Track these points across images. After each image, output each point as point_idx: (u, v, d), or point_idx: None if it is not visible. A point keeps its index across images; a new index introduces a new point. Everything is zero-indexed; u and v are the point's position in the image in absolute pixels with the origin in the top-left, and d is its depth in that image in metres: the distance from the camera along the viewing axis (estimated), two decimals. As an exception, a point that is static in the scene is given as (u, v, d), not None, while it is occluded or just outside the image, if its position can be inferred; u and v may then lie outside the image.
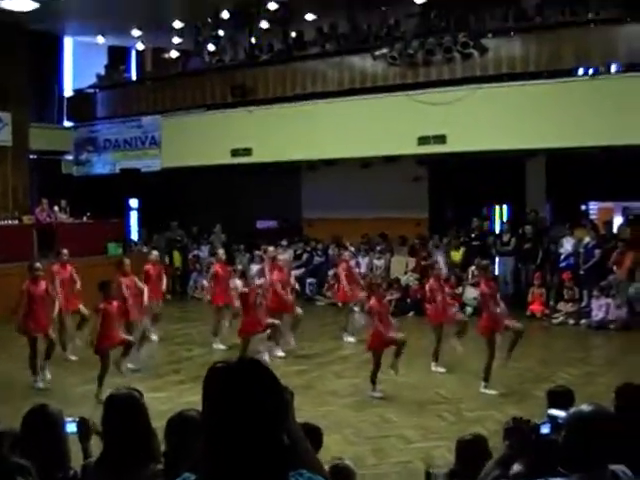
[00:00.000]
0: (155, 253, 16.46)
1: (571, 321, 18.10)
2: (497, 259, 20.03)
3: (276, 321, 14.25)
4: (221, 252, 17.13)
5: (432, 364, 13.54)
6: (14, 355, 14.57)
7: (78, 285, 15.34)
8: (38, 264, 13.77)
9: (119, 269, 14.33)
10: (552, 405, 5.45)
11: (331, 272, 21.91)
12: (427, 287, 14.19)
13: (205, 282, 18.19)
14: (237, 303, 14.30)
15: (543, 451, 4.17)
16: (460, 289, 19.16)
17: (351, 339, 15.96)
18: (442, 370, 13.42)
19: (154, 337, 15.93)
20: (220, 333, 15.78)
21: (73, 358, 14.65)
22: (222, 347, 15.49)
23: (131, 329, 13.95)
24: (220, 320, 15.86)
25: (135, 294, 14.26)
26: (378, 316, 11.96)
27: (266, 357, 13.23)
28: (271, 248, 17.13)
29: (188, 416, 4.32)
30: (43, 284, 13.30)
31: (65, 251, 15.65)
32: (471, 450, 5.60)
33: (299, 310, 15.30)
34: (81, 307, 15.19)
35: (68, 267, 15.54)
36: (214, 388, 2.54)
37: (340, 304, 17.26)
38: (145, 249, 23.89)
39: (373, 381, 11.90)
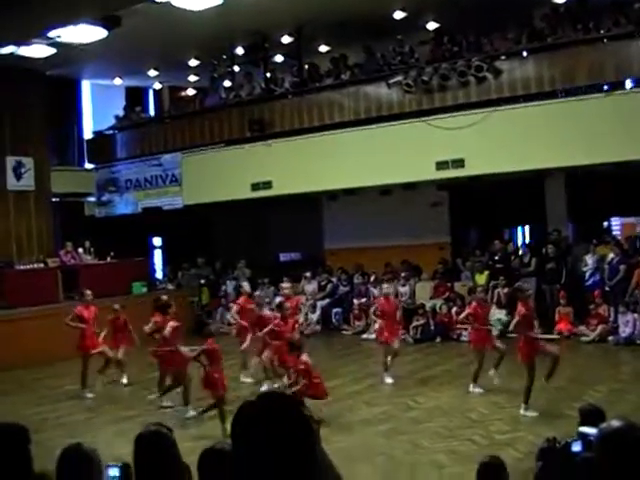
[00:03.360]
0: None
1: (599, 338, 17.99)
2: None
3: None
4: (245, 286, 17.15)
5: (471, 385, 13.50)
6: (43, 397, 14.74)
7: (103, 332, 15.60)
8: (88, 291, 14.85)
9: (159, 310, 14.16)
10: (583, 423, 5.42)
11: (356, 301, 21.97)
12: (470, 310, 14.13)
13: (230, 317, 18.23)
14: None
15: (576, 469, 4.15)
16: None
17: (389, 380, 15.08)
18: (480, 390, 13.36)
19: None
20: (248, 366, 15.75)
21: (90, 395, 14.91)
22: (249, 380, 15.47)
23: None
24: (248, 353, 15.81)
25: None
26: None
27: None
28: (285, 285, 17.15)
29: (220, 450, 4.33)
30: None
31: (89, 292, 15.78)
32: (490, 473, 5.55)
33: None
34: (105, 348, 15.35)
35: (92, 308, 15.69)
36: (242, 423, 2.58)
37: (380, 343, 15.68)
38: (170, 287, 24.01)
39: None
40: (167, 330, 13.21)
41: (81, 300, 16.05)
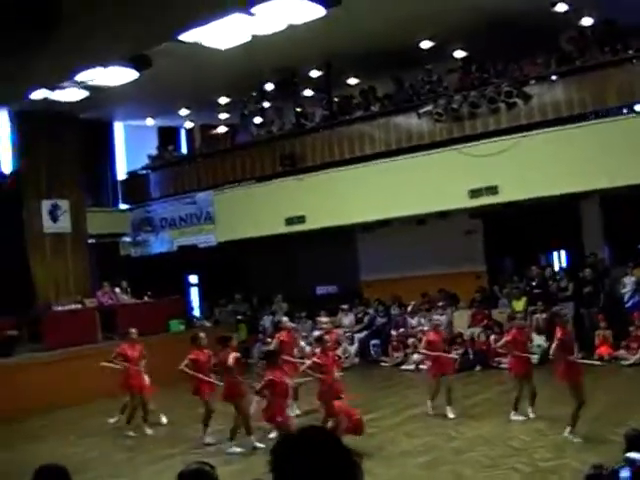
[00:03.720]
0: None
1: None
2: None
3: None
4: (286, 320, 17.07)
5: (512, 413, 13.35)
6: (83, 436, 14.82)
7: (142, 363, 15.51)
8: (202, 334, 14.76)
9: (194, 344, 14.37)
10: (629, 449, 5.33)
11: (394, 332, 21.88)
12: (509, 337, 14.00)
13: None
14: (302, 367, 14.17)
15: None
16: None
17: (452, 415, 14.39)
18: (522, 418, 13.22)
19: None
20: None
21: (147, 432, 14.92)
22: (294, 413, 15.39)
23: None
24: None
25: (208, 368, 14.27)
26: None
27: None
28: (324, 319, 17.04)
29: (260, 485, 4.32)
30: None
31: (134, 330, 15.77)
32: None
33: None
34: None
35: (137, 346, 15.69)
36: (282, 456, 2.56)
37: (434, 376, 14.86)
38: (207, 324, 24.05)
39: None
40: (230, 360, 13.34)
41: (125, 339, 16.05)
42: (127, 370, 15.29)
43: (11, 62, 9.81)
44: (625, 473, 4.18)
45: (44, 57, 9.45)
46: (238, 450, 12.79)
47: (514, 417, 13.33)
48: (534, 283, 20.68)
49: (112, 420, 15.97)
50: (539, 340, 18.27)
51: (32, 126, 23.79)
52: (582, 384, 11.79)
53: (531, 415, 13.31)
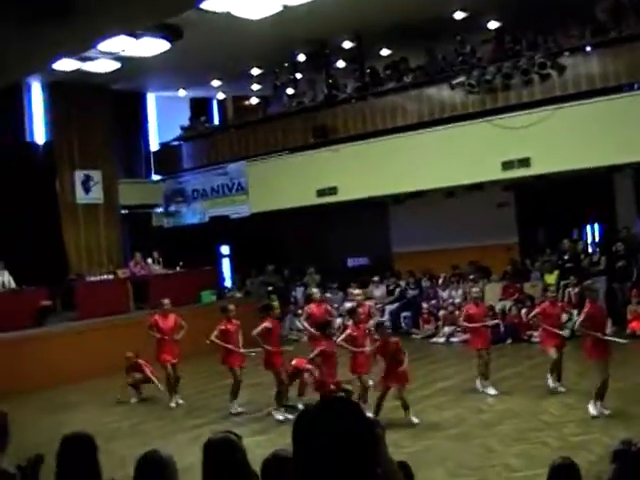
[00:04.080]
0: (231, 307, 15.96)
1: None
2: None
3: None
4: (315, 291, 17.02)
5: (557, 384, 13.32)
6: (115, 406, 15.00)
7: (181, 334, 15.55)
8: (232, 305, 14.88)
9: (224, 314, 14.40)
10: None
11: (425, 305, 21.84)
12: (539, 310, 13.91)
13: (299, 323, 18.21)
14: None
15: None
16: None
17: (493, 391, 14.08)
18: (562, 389, 13.21)
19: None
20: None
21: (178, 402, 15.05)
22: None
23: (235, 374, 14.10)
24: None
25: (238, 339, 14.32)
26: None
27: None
28: (356, 291, 16.97)
29: (283, 456, 4.33)
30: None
31: (167, 301, 15.75)
32: (563, 475, 5.40)
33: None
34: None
35: (171, 317, 15.68)
36: (303, 427, 2.56)
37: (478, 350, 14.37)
38: (238, 295, 24.13)
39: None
40: (258, 329, 13.41)
41: (159, 309, 16.08)
42: (159, 341, 15.37)
43: (29, 30, 9.80)
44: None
45: (64, 25, 9.43)
46: (281, 417, 12.91)
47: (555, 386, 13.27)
48: (566, 257, 20.53)
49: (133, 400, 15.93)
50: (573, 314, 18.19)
51: (65, 97, 23.98)
52: (608, 362, 11.65)
53: (560, 389, 13.24)
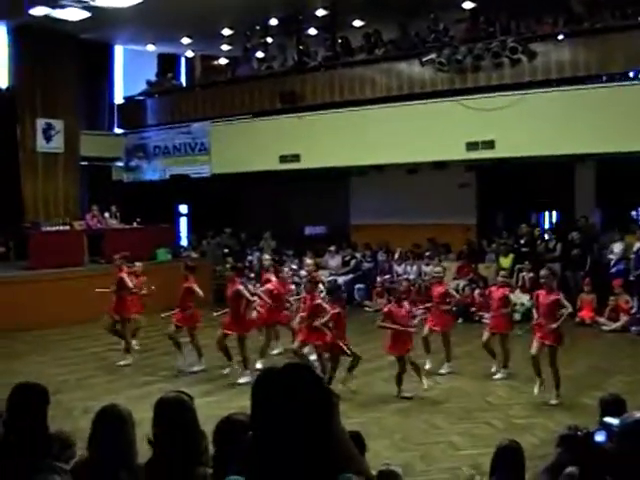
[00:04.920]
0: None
1: (621, 328, 17.85)
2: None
3: None
4: (266, 258, 16.91)
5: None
6: (64, 358, 14.88)
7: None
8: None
9: (193, 273, 14.44)
10: (604, 413, 5.36)
11: (379, 279, 21.92)
12: (495, 295, 13.84)
13: (252, 288, 18.19)
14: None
15: (596, 460, 4.10)
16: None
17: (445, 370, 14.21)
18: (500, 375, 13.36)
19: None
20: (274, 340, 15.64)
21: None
22: (275, 351, 15.47)
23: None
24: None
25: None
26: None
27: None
28: (309, 260, 16.98)
29: (236, 420, 4.36)
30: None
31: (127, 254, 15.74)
32: (509, 456, 5.48)
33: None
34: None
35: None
36: (262, 391, 2.58)
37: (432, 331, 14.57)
38: (194, 255, 24.04)
39: None
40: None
41: (122, 264, 15.58)
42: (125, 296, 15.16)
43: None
44: (600, 437, 4.19)
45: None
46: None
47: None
48: (522, 241, 20.71)
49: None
50: (523, 299, 18.35)
51: (31, 43, 23.54)
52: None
53: (499, 375, 13.36)
